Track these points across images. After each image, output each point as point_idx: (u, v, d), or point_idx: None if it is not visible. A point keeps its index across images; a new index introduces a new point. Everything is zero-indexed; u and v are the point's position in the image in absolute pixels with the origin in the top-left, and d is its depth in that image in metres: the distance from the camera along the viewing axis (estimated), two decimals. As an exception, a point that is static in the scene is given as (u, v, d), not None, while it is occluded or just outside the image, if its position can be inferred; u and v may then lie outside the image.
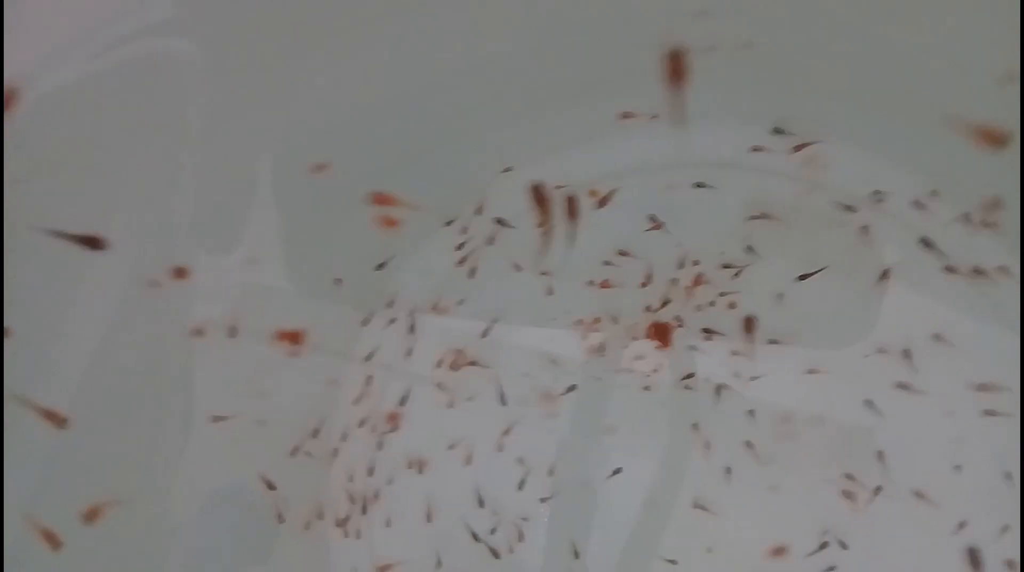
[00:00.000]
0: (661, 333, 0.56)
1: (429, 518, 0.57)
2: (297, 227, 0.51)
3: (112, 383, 0.45)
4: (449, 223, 0.57)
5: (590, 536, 0.55)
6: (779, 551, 0.52)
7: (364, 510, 0.57)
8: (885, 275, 0.52)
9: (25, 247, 0.39)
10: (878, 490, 0.51)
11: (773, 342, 0.53)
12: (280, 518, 0.54)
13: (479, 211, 0.57)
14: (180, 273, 0.46)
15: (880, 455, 0.51)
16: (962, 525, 0.49)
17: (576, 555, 0.55)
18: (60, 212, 0.40)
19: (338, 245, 0.53)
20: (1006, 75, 0.42)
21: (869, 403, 0.52)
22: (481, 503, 0.56)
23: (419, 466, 0.57)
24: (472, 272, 0.58)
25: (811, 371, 0.53)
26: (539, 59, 0.48)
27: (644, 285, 0.56)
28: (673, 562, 0.53)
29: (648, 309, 0.56)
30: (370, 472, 0.58)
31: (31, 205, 0.39)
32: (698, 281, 0.55)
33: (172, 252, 0.46)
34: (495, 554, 0.56)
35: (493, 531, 0.56)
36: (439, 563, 0.56)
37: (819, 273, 0.52)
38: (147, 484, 0.48)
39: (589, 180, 0.56)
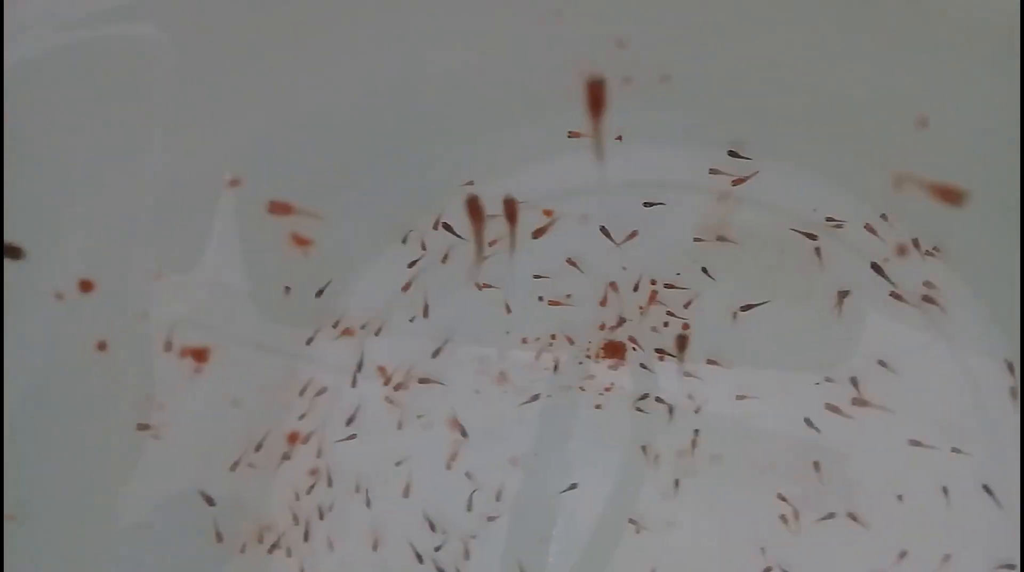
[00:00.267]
0: (614, 352, 0.56)
1: (374, 541, 0.56)
2: (233, 243, 0.49)
3: (31, 392, 0.43)
4: (404, 240, 0.57)
5: (537, 554, 0.55)
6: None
7: (307, 536, 0.56)
8: (843, 296, 0.52)
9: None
10: (827, 515, 0.51)
11: (718, 363, 0.54)
12: (219, 537, 0.53)
13: (436, 226, 0.56)
14: (86, 286, 0.45)
15: (823, 479, 0.51)
16: (903, 555, 0.49)
17: (523, 574, 0.54)
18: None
19: (278, 262, 0.52)
20: (919, 120, 0.43)
21: (814, 427, 0.52)
22: (428, 522, 0.55)
23: (365, 485, 0.56)
24: (424, 289, 0.57)
25: (759, 394, 0.53)
26: (487, 77, 0.48)
27: (601, 304, 0.56)
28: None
29: (602, 328, 0.56)
30: (310, 491, 0.56)
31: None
32: (652, 301, 0.55)
33: (88, 264, 0.45)
34: (441, 573, 0.55)
35: (438, 549, 0.55)
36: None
37: (770, 300, 0.53)
38: (71, 493, 0.47)
39: (545, 196, 0.56)
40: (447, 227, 0.55)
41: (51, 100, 0.42)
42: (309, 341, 0.56)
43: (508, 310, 0.56)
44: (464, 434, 0.56)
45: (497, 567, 0.55)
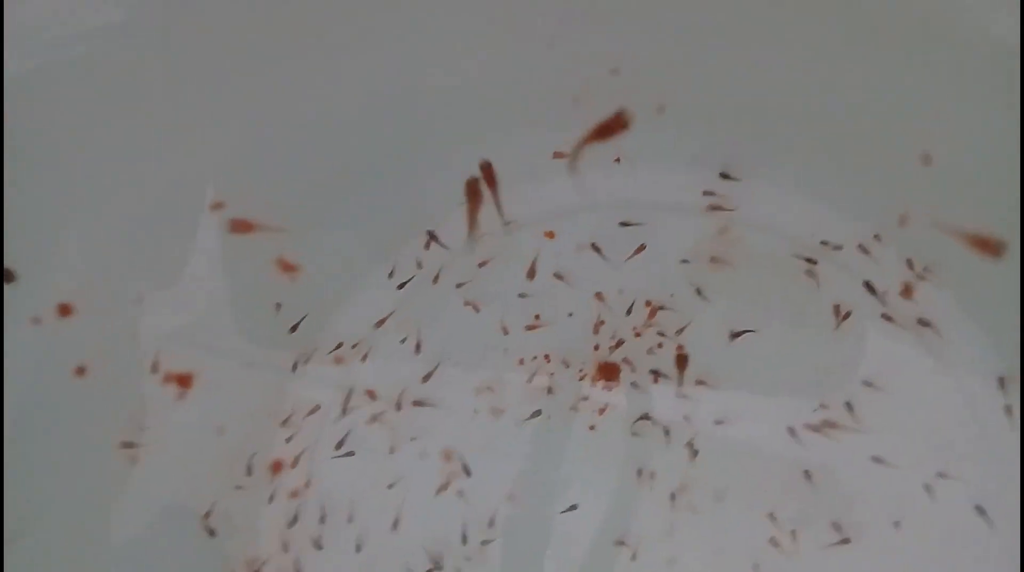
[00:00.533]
0: (609, 373, 0.56)
1: (367, 566, 0.55)
2: (218, 266, 0.49)
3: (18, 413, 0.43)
4: (391, 274, 0.56)
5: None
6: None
7: (297, 565, 0.55)
8: (841, 317, 0.52)
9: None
10: (821, 536, 0.51)
11: (712, 385, 0.54)
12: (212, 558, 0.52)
13: (427, 246, 0.56)
14: (64, 310, 0.44)
15: (818, 501, 0.51)
16: None
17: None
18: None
19: (266, 284, 0.52)
20: (924, 156, 0.44)
21: (808, 450, 0.52)
22: (423, 545, 0.54)
23: (357, 509, 0.55)
24: (416, 310, 0.57)
25: (753, 416, 0.53)
26: (481, 98, 0.48)
27: (595, 325, 0.55)
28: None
29: (597, 349, 0.56)
30: (298, 518, 0.55)
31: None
32: (647, 323, 0.55)
33: (71, 288, 0.44)
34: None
35: None
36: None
37: (758, 328, 0.53)
38: (63, 511, 0.45)
39: (542, 216, 0.56)
40: (432, 236, 0.54)
41: (34, 121, 0.41)
42: (295, 367, 0.56)
43: (505, 332, 0.56)
44: (468, 472, 0.56)
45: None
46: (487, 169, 0.50)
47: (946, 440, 0.50)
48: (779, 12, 0.42)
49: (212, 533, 0.52)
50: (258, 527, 0.54)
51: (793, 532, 0.51)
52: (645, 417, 0.54)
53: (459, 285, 0.57)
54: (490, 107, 0.50)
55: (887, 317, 0.52)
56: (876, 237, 0.52)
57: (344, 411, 0.56)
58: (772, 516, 0.51)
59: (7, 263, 0.41)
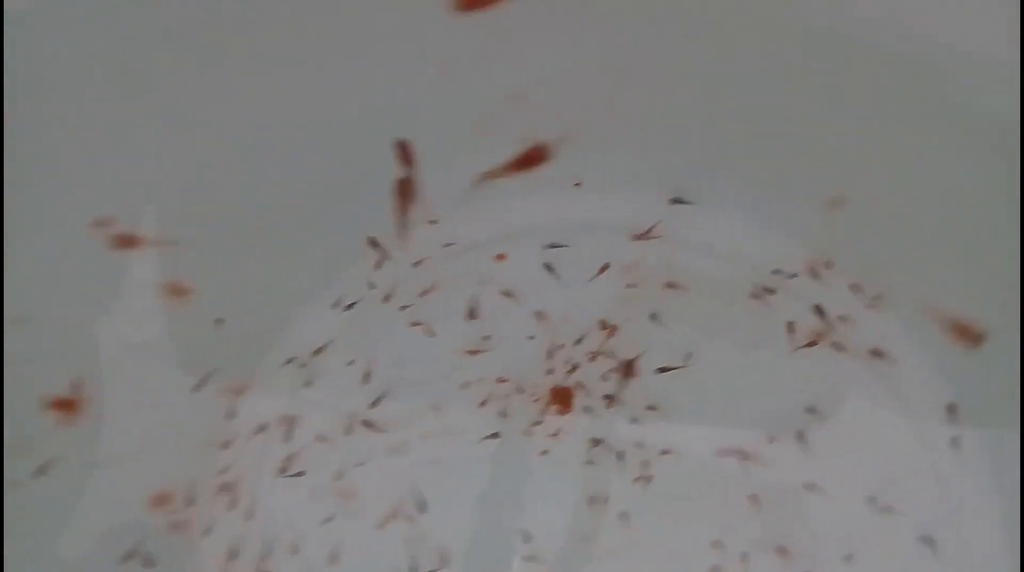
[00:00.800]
0: (562, 398, 0.55)
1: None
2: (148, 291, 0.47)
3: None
4: (335, 305, 0.55)
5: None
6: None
7: None
8: (801, 344, 0.52)
9: None
10: (779, 566, 0.51)
11: (665, 411, 0.53)
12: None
13: (378, 265, 0.55)
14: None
15: (768, 530, 0.51)
16: None
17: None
18: None
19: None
20: (831, 201, 0.44)
21: (761, 478, 0.52)
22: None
23: (300, 537, 0.54)
24: (364, 332, 0.55)
25: (705, 443, 0.53)
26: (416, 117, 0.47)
27: (549, 349, 0.55)
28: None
29: (550, 372, 0.55)
30: (235, 555, 0.53)
31: None
32: (601, 348, 0.54)
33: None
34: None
35: None
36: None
37: (731, 337, 0.53)
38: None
39: (497, 238, 0.55)
40: (373, 242, 0.53)
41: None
42: (239, 392, 0.54)
43: (457, 355, 0.55)
44: (420, 500, 0.54)
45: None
46: (403, 147, 0.48)
47: (895, 471, 0.50)
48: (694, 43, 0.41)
49: (150, 563, 0.50)
50: (195, 562, 0.53)
51: (741, 559, 0.51)
52: (598, 442, 0.54)
53: (406, 306, 0.56)
54: (413, 127, 0.48)
55: (838, 345, 0.52)
56: (827, 264, 0.52)
57: (289, 436, 0.55)
58: (720, 543, 0.51)
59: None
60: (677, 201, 0.53)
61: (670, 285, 0.54)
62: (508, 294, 0.55)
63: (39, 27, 0.36)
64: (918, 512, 0.49)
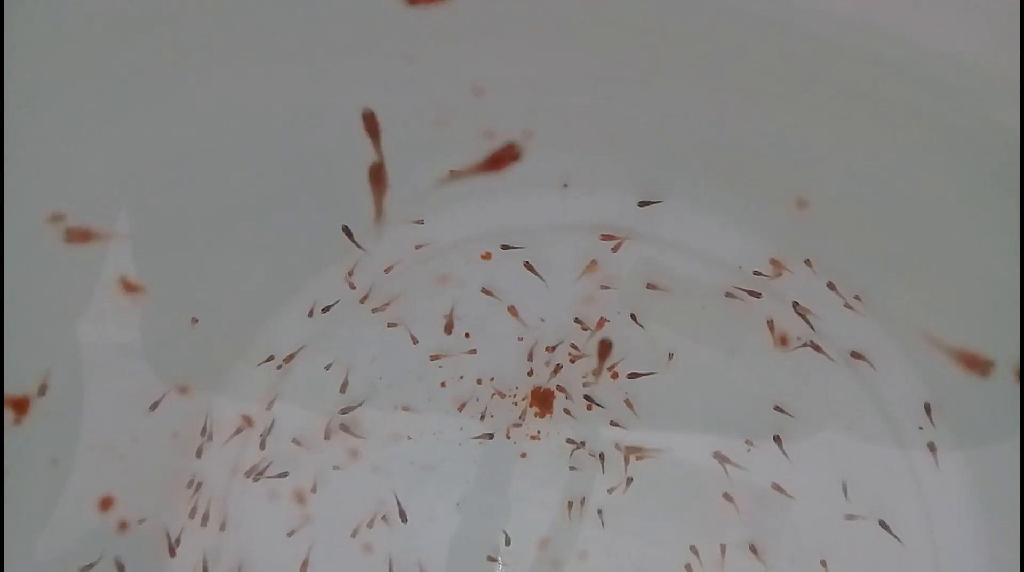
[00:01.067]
0: (543, 400, 0.55)
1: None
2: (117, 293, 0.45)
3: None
4: (310, 314, 0.54)
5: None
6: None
7: None
8: (781, 342, 0.52)
9: None
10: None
11: (643, 413, 0.53)
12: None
13: (350, 274, 0.54)
14: None
15: (748, 530, 0.51)
16: None
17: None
18: None
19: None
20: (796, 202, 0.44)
21: (739, 479, 0.52)
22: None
23: (272, 547, 0.53)
24: (342, 333, 0.55)
25: (684, 445, 0.53)
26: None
27: (530, 351, 0.54)
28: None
29: (531, 374, 0.54)
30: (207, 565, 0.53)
31: None
32: (582, 350, 0.54)
33: None
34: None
35: None
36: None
37: (709, 338, 0.53)
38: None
39: (471, 239, 0.54)
40: (347, 232, 0.52)
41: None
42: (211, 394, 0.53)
43: (436, 357, 0.55)
44: (404, 519, 0.54)
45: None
46: (369, 118, 0.47)
47: (874, 475, 0.50)
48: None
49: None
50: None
51: (717, 561, 0.51)
52: (578, 445, 0.54)
53: (382, 308, 0.55)
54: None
55: (817, 347, 0.52)
56: (807, 262, 0.51)
57: (263, 439, 0.54)
58: (696, 544, 0.51)
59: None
60: (645, 203, 0.52)
61: (649, 286, 0.54)
62: (487, 296, 0.55)
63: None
64: (894, 514, 0.49)
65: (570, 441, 0.54)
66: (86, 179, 0.41)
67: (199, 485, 0.53)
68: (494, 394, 0.54)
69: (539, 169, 0.50)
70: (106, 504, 0.48)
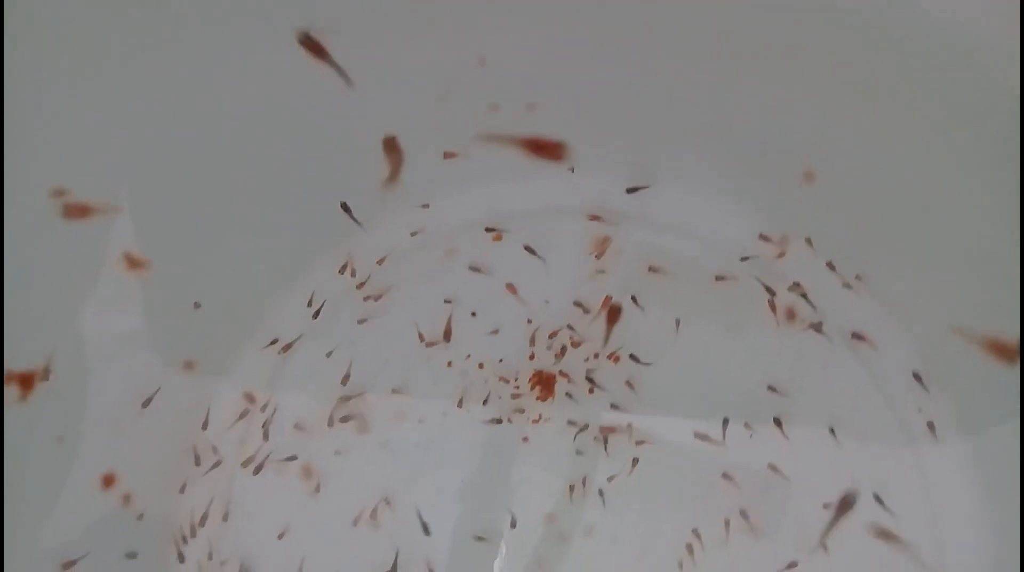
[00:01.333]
0: (544, 384, 0.55)
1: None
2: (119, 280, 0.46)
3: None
4: (309, 303, 0.55)
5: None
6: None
7: None
8: (783, 318, 0.52)
9: None
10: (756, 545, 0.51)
11: (648, 394, 0.53)
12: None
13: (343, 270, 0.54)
14: None
15: (749, 511, 0.52)
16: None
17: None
18: None
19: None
20: (803, 176, 0.44)
21: (740, 459, 0.52)
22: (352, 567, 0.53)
23: (275, 531, 0.53)
24: (343, 319, 0.55)
25: (687, 429, 0.53)
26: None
27: (532, 334, 0.54)
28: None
29: (532, 358, 0.55)
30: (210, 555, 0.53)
31: None
32: (583, 335, 0.54)
33: None
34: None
35: None
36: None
37: (709, 320, 0.53)
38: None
39: (486, 219, 0.55)
40: (345, 208, 0.52)
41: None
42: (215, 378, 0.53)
43: (437, 341, 0.55)
44: (427, 532, 0.54)
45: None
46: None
47: (873, 454, 0.50)
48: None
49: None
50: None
51: (718, 541, 0.51)
52: (580, 428, 0.54)
53: (382, 294, 0.55)
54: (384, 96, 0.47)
55: (817, 327, 0.52)
56: (807, 240, 0.51)
57: (266, 438, 0.54)
58: (697, 525, 0.51)
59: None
60: (633, 190, 0.52)
61: (650, 269, 0.54)
62: (488, 280, 0.55)
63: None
64: (893, 493, 0.49)
65: (571, 423, 0.54)
66: (88, 157, 0.41)
67: (203, 470, 0.53)
68: (496, 379, 0.55)
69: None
70: (108, 481, 0.49)
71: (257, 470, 0.54)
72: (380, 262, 0.56)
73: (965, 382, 0.48)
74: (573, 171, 0.52)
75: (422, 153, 0.49)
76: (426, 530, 0.53)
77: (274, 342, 0.55)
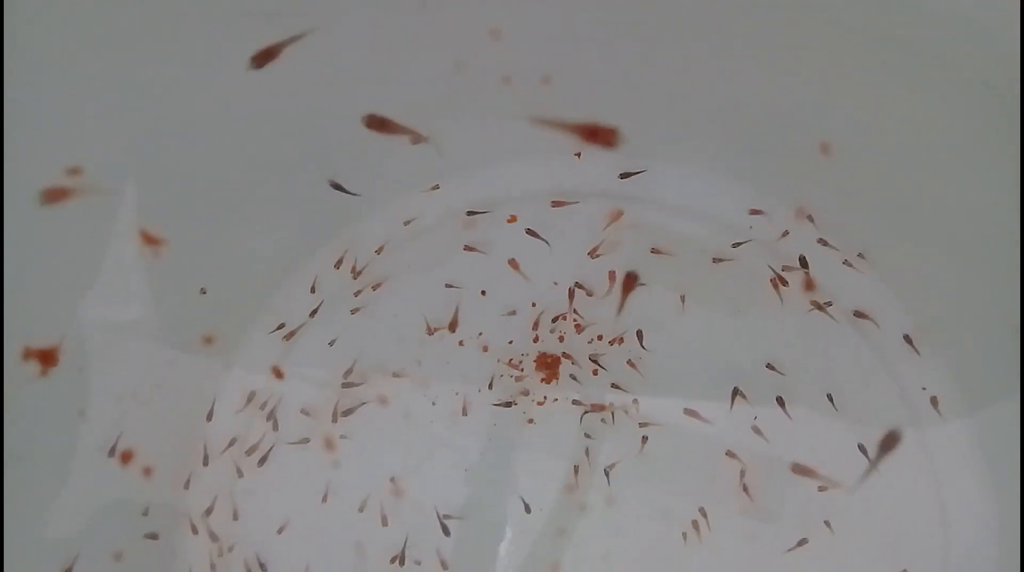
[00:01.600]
0: (549, 366, 0.55)
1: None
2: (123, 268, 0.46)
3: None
4: (312, 289, 0.55)
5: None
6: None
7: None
8: (822, 307, 0.52)
9: None
10: (757, 524, 0.52)
11: (650, 375, 0.54)
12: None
13: (338, 264, 0.55)
14: None
15: (753, 490, 0.52)
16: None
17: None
18: None
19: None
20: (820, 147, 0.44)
21: (743, 439, 0.52)
22: (361, 552, 0.54)
23: (284, 517, 0.54)
24: (347, 306, 0.55)
25: (686, 409, 0.53)
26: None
27: (536, 317, 0.55)
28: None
29: (536, 340, 0.55)
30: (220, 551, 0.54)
31: None
32: (587, 317, 0.55)
33: None
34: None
35: None
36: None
37: (713, 300, 0.53)
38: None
39: (496, 201, 0.55)
40: (337, 186, 0.52)
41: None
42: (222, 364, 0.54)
43: (440, 327, 0.55)
44: (447, 532, 0.54)
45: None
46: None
47: (878, 431, 0.50)
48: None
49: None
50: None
51: (723, 520, 0.51)
52: (586, 409, 0.54)
53: (383, 282, 0.56)
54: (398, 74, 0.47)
55: (819, 305, 0.52)
56: (809, 217, 0.52)
57: (275, 428, 0.55)
58: (703, 504, 0.52)
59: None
60: (626, 175, 0.53)
61: (653, 250, 0.54)
62: (489, 262, 0.55)
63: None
64: (899, 472, 0.50)
65: (576, 403, 0.54)
66: (100, 138, 0.41)
67: (207, 458, 0.54)
68: (502, 362, 0.55)
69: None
70: (126, 457, 0.49)
71: (264, 455, 0.54)
72: (384, 246, 0.56)
73: (967, 359, 0.48)
74: (579, 157, 0.53)
75: (436, 133, 0.49)
76: (438, 516, 0.54)
77: (281, 327, 0.55)
